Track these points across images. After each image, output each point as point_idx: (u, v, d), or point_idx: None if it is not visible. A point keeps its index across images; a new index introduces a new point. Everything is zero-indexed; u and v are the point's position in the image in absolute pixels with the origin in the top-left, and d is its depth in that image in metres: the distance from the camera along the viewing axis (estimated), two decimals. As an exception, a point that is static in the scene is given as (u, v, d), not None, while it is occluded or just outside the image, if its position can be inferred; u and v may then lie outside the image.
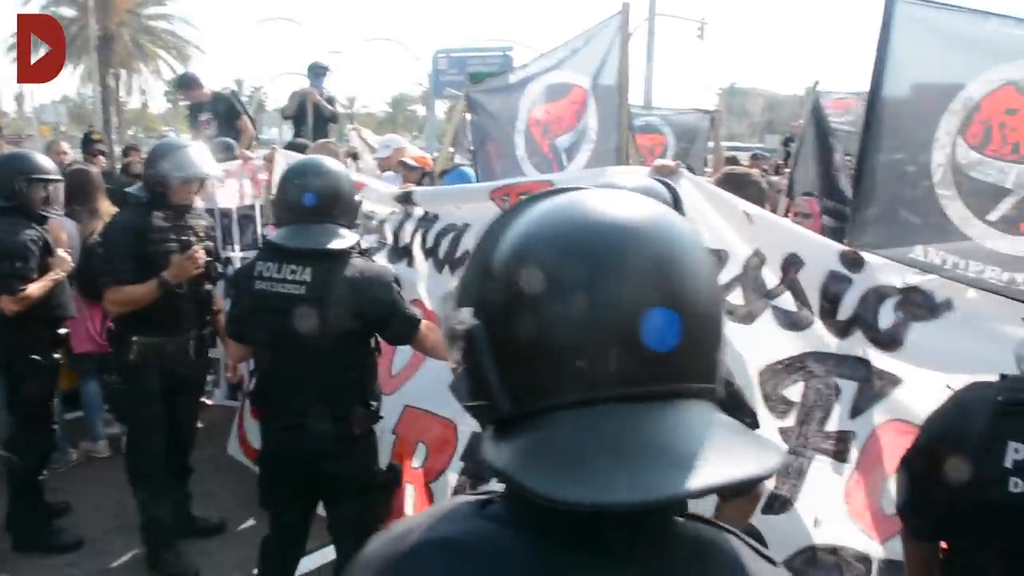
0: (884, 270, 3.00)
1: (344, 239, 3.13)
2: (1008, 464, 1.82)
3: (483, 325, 0.91)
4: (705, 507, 2.79)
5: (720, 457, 0.82)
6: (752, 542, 0.98)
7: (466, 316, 0.93)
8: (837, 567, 2.85)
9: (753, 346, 3.10)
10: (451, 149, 7.86)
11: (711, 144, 8.57)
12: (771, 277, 3.16)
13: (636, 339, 0.85)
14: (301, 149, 6.40)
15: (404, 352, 4.08)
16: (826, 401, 3.00)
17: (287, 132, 11.51)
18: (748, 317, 3.16)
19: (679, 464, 0.80)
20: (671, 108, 9.66)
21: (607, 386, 0.85)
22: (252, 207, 5.95)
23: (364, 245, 3.45)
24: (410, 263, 4.33)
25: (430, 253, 4.27)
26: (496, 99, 5.63)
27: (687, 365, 0.88)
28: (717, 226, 3.26)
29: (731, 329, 3.09)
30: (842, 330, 3.02)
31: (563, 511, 0.78)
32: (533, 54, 5.88)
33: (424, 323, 3.23)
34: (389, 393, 3.88)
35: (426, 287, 4.26)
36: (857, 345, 2.99)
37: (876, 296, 2.98)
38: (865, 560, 2.82)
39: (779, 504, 2.97)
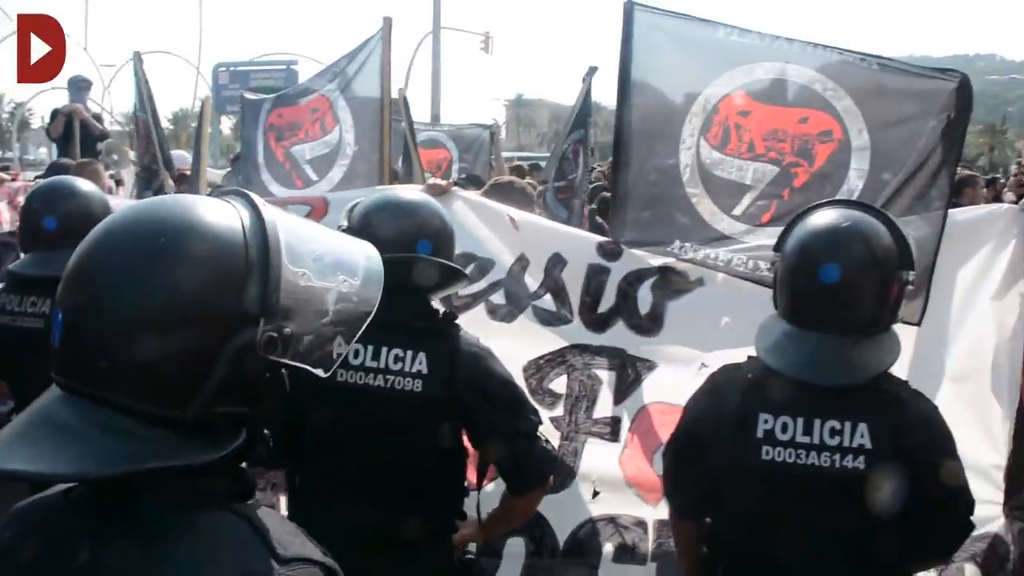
0: (640, 258, 3.20)
1: None
2: (759, 434, 1.98)
3: None
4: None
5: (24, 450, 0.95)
6: (264, 527, 1.01)
7: None
8: (617, 532, 3.02)
9: (516, 343, 3.19)
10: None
11: (494, 157, 8.75)
12: (533, 281, 3.27)
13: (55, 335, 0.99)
14: (66, 171, 5.84)
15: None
16: (590, 391, 3.16)
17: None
18: (510, 316, 3.25)
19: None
20: (452, 124, 9.78)
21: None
22: (13, 234, 5.35)
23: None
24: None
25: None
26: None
27: (74, 364, 0.98)
28: (485, 237, 3.33)
29: (493, 327, 3.22)
30: (601, 323, 3.19)
31: None
32: (319, 68, 5.65)
33: None
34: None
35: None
36: (615, 336, 3.17)
37: (635, 277, 3.17)
38: (641, 523, 3.01)
39: (558, 483, 3.05)
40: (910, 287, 2.09)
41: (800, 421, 1.96)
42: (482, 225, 3.35)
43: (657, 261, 3.20)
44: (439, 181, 3.62)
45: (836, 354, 1.99)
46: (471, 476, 2.43)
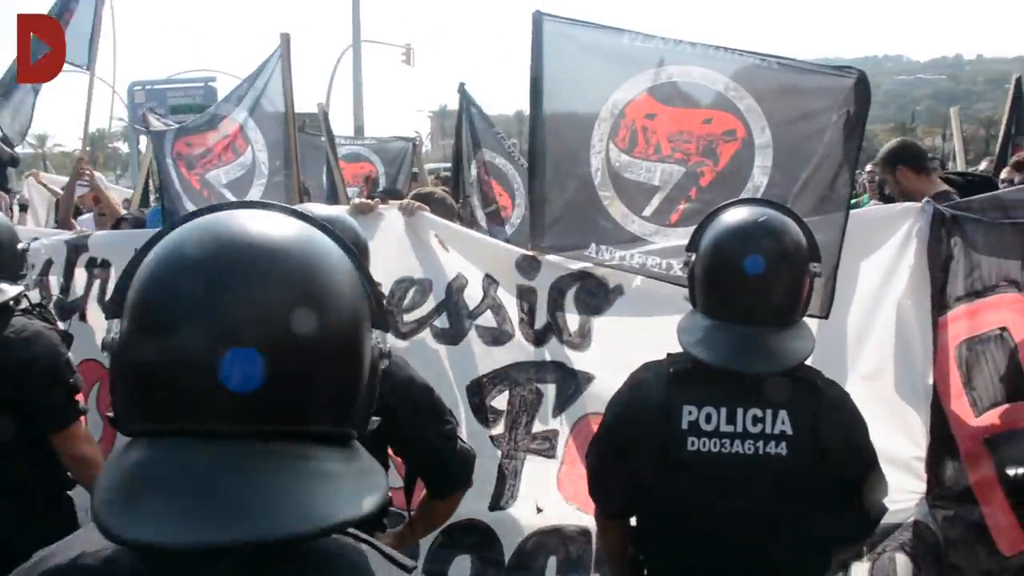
0: (558, 266, 3.27)
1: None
2: (684, 426, 2.02)
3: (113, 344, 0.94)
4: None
5: (273, 506, 0.83)
6: (388, 550, 1.01)
7: (115, 330, 0.94)
8: (562, 544, 3.11)
9: (461, 364, 3.25)
10: (149, 187, 7.25)
11: (416, 169, 8.71)
12: (472, 299, 3.30)
13: (214, 377, 0.85)
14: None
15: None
16: (531, 406, 3.22)
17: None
18: (454, 337, 3.29)
19: (227, 509, 0.82)
20: (376, 137, 9.71)
21: (183, 419, 0.86)
22: None
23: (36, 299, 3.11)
24: (82, 317, 3.92)
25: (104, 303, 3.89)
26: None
27: (273, 406, 0.87)
28: (420, 258, 3.35)
29: (439, 350, 3.23)
30: (539, 338, 3.25)
31: None
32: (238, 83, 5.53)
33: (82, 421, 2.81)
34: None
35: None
36: (554, 350, 3.24)
37: (558, 293, 3.24)
38: (584, 532, 3.08)
39: (503, 502, 3.19)
40: (819, 278, 2.16)
41: (723, 411, 2.02)
42: (413, 245, 3.37)
43: (576, 266, 3.25)
44: (366, 200, 3.64)
45: (761, 344, 2.04)
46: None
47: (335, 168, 5.63)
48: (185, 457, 0.86)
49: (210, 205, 1.04)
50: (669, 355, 2.16)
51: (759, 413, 2.01)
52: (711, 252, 2.09)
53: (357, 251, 2.29)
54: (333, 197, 5.56)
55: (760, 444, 2.00)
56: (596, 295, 3.22)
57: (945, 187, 4.30)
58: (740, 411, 2.01)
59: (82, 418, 2.81)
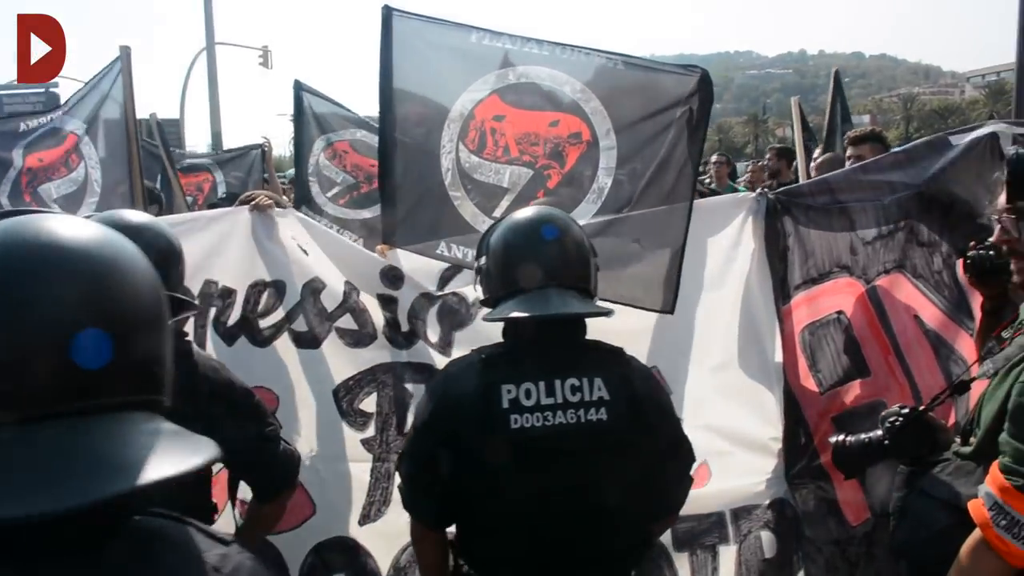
0: (421, 280, 3.22)
1: None
2: (505, 404, 2.01)
3: None
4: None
5: (149, 461, 0.90)
6: (205, 527, 1.11)
7: None
8: None
9: (323, 368, 3.18)
10: None
11: (266, 175, 8.50)
12: (331, 302, 3.21)
13: (66, 358, 0.92)
14: None
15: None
16: (401, 407, 3.16)
17: None
18: (314, 341, 3.20)
19: (107, 470, 0.89)
20: (228, 150, 9.52)
21: (41, 404, 0.91)
22: None
23: None
24: None
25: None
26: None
27: (123, 380, 0.97)
28: (271, 257, 3.23)
29: (299, 354, 3.13)
30: (406, 340, 3.20)
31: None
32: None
33: None
34: None
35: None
36: (419, 351, 3.20)
37: (421, 307, 3.21)
38: None
39: (375, 511, 3.13)
40: (598, 272, 2.22)
41: (542, 384, 2.02)
42: (265, 246, 3.24)
43: (437, 286, 3.23)
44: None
45: (565, 298, 2.08)
46: (221, 494, 2.50)
47: (174, 179, 5.53)
48: (31, 436, 0.91)
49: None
50: (473, 350, 2.19)
51: (576, 382, 2.03)
52: (506, 236, 2.14)
53: (171, 255, 2.26)
54: (170, 206, 5.40)
55: (581, 412, 2.02)
56: (458, 311, 3.21)
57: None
58: (558, 382, 2.02)
59: None
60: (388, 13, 3.27)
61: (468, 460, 2.04)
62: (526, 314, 2.02)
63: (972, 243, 2.66)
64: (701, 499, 2.93)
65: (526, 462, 2.00)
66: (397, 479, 3.02)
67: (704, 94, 3.07)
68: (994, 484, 1.80)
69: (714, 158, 9.42)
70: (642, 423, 2.06)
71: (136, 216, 2.41)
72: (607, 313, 2.11)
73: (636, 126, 3.15)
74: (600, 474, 2.03)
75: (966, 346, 3.11)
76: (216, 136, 24.23)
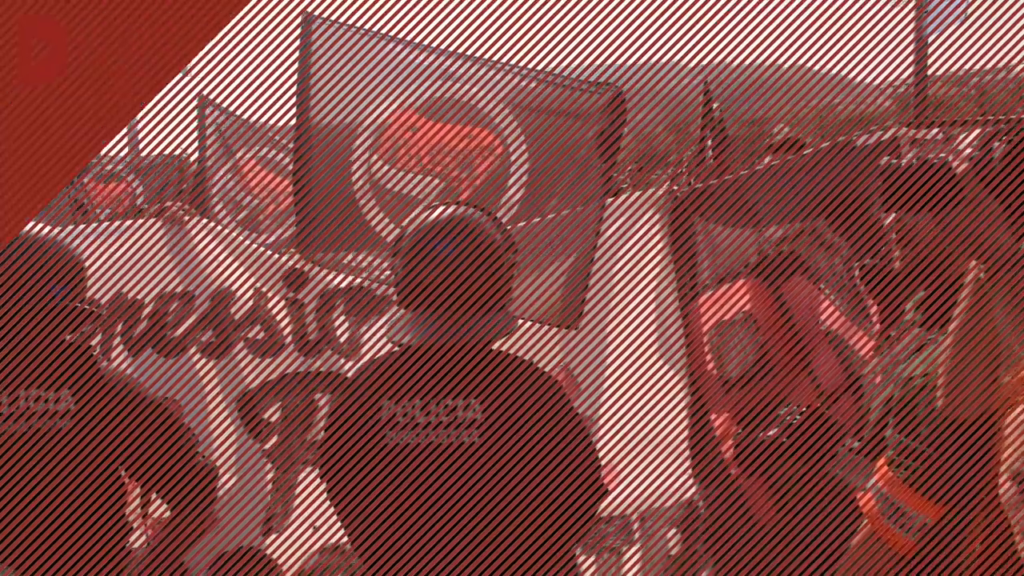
0: (326, 278, 3.23)
1: None
2: (383, 420, 2.03)
3: None
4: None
5: None
6: None
7: None
8: (346, 559, 3.04)
9: (228, 378, 3.16)
10: None
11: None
12: (239, 312, 3.20)
13: None
14: None
15: None
16: (307, 415, 3.16)
17: None
18: (220, 350, 3.19)
19: None
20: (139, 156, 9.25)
21: None
22: None
23: None
24: None
25: None
26: None
27: None
28: (181, 268, 3.21)
29: (205, 364, 3.14)
30: (311, 349, 3.20)
31: None
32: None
33: None
34: None
35: None
36: (327, 360, 3.19)
37: (328, 305, 3.20)
38: None
39: (276, 522, 3.12)
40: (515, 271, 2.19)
41: (418, 402, 2.03)
42: (175, 257, 3.21)
43: (345, 280, 3.23)
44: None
45: (455, 326, 2.04)
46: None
47: (81, 187, 5.34)
48: None
49: None
50: (370, 359, 2.24)
51: (451, 402, 2.02)
52: (406, 244, 2.10)
53: (72, 268, 2.24)
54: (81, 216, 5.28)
55: (452, 432, 2.01)
56: (364, 306, 3.21)
57: None
58: (433, 403, 2.02)
59: None
60: (310, 20, 3.25)
61: (347, 476, 2.05)
62: (406, 337, 2.06)
63: (870, 249, 2.77)
64: (607, 502, 2.97)
65: (402, 480, 2.01)
66: (301, 488, 3.12)
67: (616, 115, 3.13)
68: (881, 477, 1.91)
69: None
70: (520, 442, 2.02)
71: (38, 228, 2.38)
72: (495, 336, 2.08)
73: (548, 141, 3.20)
74: (476, 495, 2.00)
75: (865, 346, 3.24)
76: (133, 148, 23.56)
